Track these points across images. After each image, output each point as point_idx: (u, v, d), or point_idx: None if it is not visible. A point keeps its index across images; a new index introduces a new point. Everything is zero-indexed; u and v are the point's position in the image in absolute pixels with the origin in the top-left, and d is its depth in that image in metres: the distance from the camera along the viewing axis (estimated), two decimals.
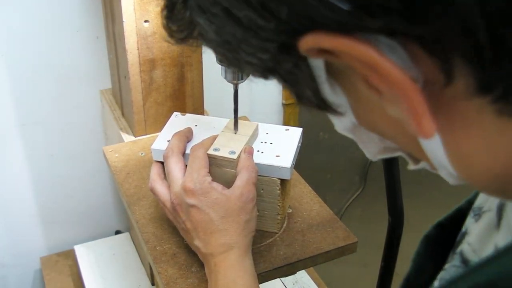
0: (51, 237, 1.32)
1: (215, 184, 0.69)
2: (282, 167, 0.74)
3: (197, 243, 0.68)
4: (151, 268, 1.00)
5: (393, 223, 1.04)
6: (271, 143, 0.78)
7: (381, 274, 1.12)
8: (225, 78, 0.74)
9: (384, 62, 0.27)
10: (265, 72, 0.33)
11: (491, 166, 0.30)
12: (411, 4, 0.25)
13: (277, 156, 0.75)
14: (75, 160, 1.24)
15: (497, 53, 0.24)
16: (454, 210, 0.45)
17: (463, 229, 0.42)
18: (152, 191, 0.75)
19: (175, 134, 0.76)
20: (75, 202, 1.30)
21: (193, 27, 0.33)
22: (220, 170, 0.72)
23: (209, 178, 0.69)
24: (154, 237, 0.77)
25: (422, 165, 0.34)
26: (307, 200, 0.84)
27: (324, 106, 0.32)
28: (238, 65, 0.33)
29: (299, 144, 0.79)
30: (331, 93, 0.31)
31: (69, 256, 1.29)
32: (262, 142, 0.78)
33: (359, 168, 1.77)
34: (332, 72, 0.30)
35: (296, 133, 0.81)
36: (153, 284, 1.15)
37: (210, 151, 0.72)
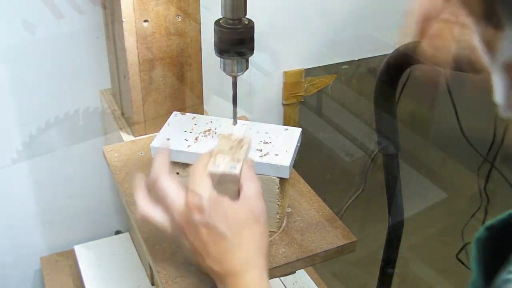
0: (51, 237, 1.32)
1: (221, 198, 0.64)
2: (281, 165, 0.74)
3: (210, 262, 0.63)
4: (151, 268, 1.00)
5: (393, 223, 1.04)
6: (270, 143, 0.78)
7: (381, 274, 1.12)
8: (224, 70, 0.73)
9: None
10: None
11: None
12: None
13: (276, 155, 0.75)
14: (75, 160, 1.24)
15: None
16: (506, 215, 0.43)
17: None
18: (145, 219, 0.66)
19: (155, 155, 0.69)
20: (75, 202, 1.30)
21: None
22: (221, 186, 0.67)
23: (214, 192, 0.64)
24: (153, 236, 0.77)
25: None
26: (306, 199, 0.84)
27: None
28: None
29: (298, 144, 0.79)
30: None
31: (69, 256, 1.29)
32: (261, 142, 0.78)
33: (359, 168, 1.77)
34: None
35: (295, 133, 0.81)
36: (153, 284, 1.15)
37: (211, 168, 0.66)
